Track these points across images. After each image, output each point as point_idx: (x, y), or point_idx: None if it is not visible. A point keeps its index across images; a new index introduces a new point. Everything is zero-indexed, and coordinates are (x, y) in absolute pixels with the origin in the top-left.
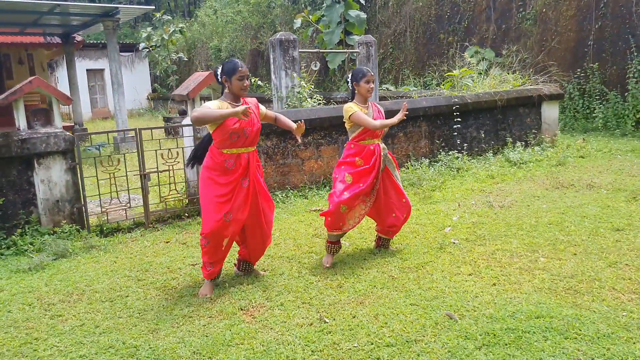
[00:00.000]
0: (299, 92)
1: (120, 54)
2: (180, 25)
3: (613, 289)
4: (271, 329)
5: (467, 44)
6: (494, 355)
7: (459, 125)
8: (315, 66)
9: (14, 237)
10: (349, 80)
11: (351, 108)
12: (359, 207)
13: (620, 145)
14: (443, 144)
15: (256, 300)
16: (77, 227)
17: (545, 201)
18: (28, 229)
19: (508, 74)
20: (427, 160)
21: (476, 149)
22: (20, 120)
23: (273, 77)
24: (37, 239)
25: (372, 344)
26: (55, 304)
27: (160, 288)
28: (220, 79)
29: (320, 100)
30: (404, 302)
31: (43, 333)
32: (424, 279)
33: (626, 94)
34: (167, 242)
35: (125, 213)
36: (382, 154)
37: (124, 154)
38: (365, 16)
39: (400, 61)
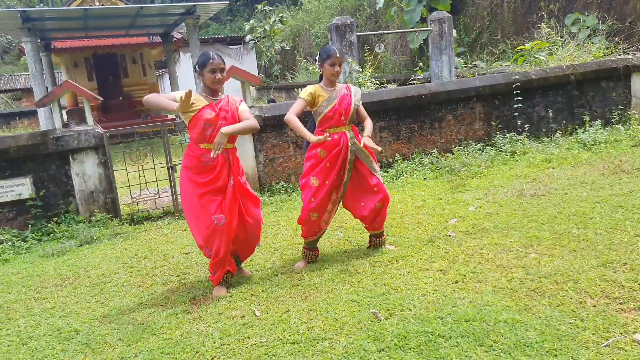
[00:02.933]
0: (357, 77)
1: (229, 47)
2: (281, 14)
3: (585, 291)
4: (203, 320)
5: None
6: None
7: (520, 105)
8: (380, 48)
9: (50, 224)
10: (316, 59)
11: (304, 92)
12: (329, 205)
13: None
14: (501, 126)
15: (209, 292)
16: (110, 216)
17: (591, 188)
18: (66, 217)
19: (592, 43)
20: (481, 144)
21: (544, 130)
22: (56, 120)
23: None
24: (73, 226)
25: (280, 340)
26: (47, 287)
27: (143, 276)
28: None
29: (376, 84)
30: (346, 298)
31: (18, 314)
32: (387, 274)
33: None
34: (184, 230)
35: (155, 203)
36: (349, 143)
37: (151, 147)
38: None
39: (498, 35)
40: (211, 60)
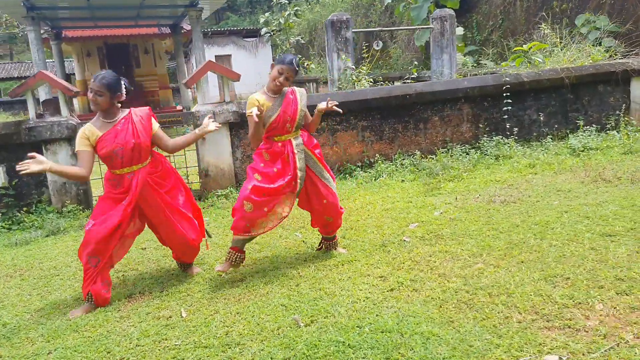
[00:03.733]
0: (350, 74)
1: (244, 39)
2: (296, 7)
3: (515, 306)
4: (128, 319)
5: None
6: None
7: (510, 108)
8: (378, 45)
9: (21, 214)
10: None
11: (249, 104)
12: (275, 211)
13: None
14: (489, 129)
15: (149, 290)
16: (82, 207)
17: (564, 197)
18: (38, 207)
19: (592, 46)
20: (467, 147)
21: (535, 134)
22: (30, 110)
23: (327, 59)
24: (43, 216)
25: (193, 343)
26: None
27: None
28: None
29: (370, 82)
30: (276, 302)
31: None
32: (327, 278)
33: None
34: None
35: None
36: (295, 151)
37: None
38: None
39: (509, 34)
40: (93, 81)
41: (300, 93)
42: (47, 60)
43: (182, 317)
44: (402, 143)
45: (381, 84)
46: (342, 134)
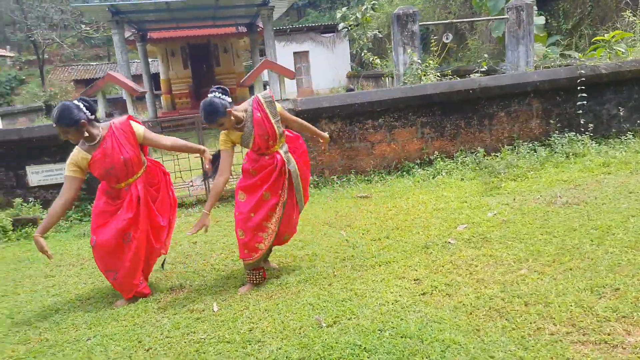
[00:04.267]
0: (416, 69)
1: (322, 35)
2: (373, 1)
3: (551, 317)
4: (165, 311)
5: None
6: None
7: (585, 102)
8: (447, 38)
9: (90, 207)
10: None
11: (221, 142)
12: (267, 224)
13: None
14: (561, 125)
15: (190, 283)
16: None
17: (634, 200)
18: None
19: None
20: (536, 144)
21: (614, 130)
22: (100, 109)
23: (393, 53)
24: None
25: (217, 338)
26: (61, 266)
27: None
28: None
29: (437, 76)
30: (305, 301)
31: (23, 289)
32: (361, 279)
33: None
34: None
35: (189, 191)
36: (284, 159)
37: (186, 139)
38: None
39: (597, 22)
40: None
41: (266, 104)
42: (134, 61)
43: (213, 311)
44: (465, 140)
45: (450, 79)
46: (400, 130)
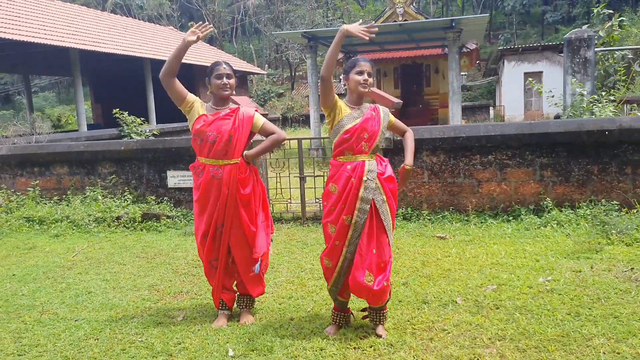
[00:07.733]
0: (580, 100)
1: (560, 54)
2: (621, 17)
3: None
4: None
5: None
6: None
7: None
8: (639, 66)
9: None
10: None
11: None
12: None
13: None
14: None
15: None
16: None
17: None
18: None
19: None
20: None
21: None
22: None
23: (562, 82)
24: None
25: None
26: (146, 258)
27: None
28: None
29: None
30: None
31: (100, 276)
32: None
33: None
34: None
35: (287, 207)
36: (364, 178)
37: (288, 159)
38: None
39: None
40: (217, 67)
41: (383, 112)
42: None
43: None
44: (598, 189)
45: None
46: (514, 170)
